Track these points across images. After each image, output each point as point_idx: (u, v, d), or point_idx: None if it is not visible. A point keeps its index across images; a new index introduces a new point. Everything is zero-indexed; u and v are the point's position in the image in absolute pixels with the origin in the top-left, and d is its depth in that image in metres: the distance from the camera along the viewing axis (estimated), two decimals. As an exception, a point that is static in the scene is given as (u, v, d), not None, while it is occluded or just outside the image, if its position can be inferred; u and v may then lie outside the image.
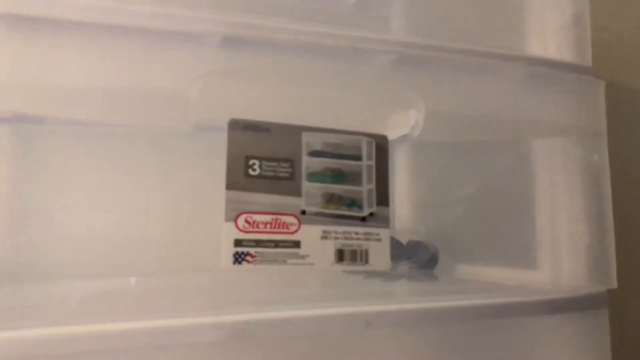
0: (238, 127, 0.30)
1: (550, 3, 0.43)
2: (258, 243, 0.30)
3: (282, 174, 0.31)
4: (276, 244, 0.30)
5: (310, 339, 0.30)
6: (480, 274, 0.48)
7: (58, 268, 0.41)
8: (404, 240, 0.49)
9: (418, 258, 0.50)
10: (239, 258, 0.30)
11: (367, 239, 0.32)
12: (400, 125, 0.33)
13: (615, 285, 0.40)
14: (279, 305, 0.28)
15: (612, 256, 0.40)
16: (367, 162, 0.33)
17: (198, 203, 0.43)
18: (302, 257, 0.31)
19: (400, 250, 0.48)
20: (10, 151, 0.36)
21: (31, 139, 0.41)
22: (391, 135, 0.33)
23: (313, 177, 0.32)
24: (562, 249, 0.41)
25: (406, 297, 0.39)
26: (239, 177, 0.30)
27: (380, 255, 0.32)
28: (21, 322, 0.25)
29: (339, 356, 0.31)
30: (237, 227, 0.30)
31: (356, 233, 0.32)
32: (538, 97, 0.40)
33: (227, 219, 0.30)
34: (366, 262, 0.32)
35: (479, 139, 0.41)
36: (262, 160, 0.31)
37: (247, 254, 0.30)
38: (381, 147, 0.33)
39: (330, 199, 0.32)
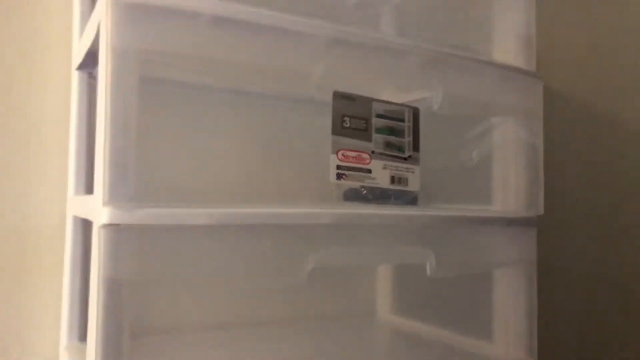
0: (337, 96, 0.49)
1: (510, 18, 0.65)
2: (348, 168, 0.49)
3: (361, 127, 0.50)
4: (357, 169, 0.50)
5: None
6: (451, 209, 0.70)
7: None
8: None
9: (404, 199, 0.72)
10: (338, 176, 0.48)
11: (407, 171, 0.52)
12: (427, 101, 0.54)
13: (542, 212, 0.63)
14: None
15: (541, 193, 0.64)
16: (407, 124, 0.53)
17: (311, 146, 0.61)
18: (372, 179, 0.50)
19: (390, 192, 0.68)
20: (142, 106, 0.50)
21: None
22: (421, 107, 0.54)
23: (378, 130, 0.51)
24: (510, 190, 0.64)
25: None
26: (338, 128, 0.49)
27: (413, 182, 0.53)
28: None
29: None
30: (337, 157, 0.49)
31: (401, 167, 0.52)
32: (500, 89, 0.62)
33: (332, 152, 0.48)
34: (406, 185, 0.52)
35: (465, 114, 0.63)
36: (350, 117, 0.50)
37: (343, 174, 0.49)
38: (415, 114, 0.53)
39: (387, 145, 0.51)
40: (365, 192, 0.56)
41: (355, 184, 0.50)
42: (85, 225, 0.63)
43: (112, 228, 0.40)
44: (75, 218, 0.63)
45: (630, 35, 1.07)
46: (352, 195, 0.59)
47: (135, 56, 0.42)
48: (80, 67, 0.62)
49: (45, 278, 0.65)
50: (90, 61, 0.60)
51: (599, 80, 1.08)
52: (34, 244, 0.64)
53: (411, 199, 0.67)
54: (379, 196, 0.56)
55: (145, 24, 0.42)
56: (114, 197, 0.41)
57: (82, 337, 0.63)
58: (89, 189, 0.63)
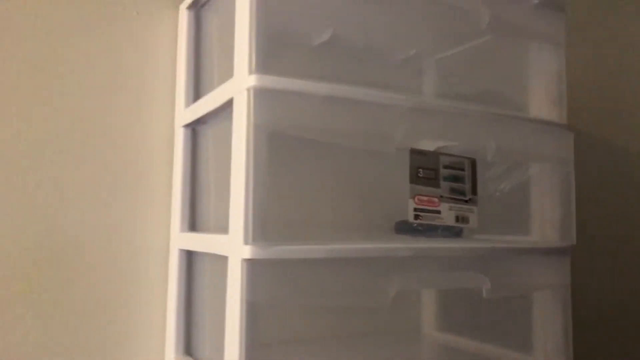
0: (414, 152, 0.61)
1: (544, 74, 0.77)
2: (422, 210, 0.61)
3: (431, 176, 0.62)
4: (429, 211, 0.61)
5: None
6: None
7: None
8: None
9: (450, 231, 0.83)
10: (415, 217, 0.60)
11: (468, 211, 0.64)
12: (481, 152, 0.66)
13: (574, 242, 0.75)
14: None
15: (573, 225, 0.75)
16: (467, 172, 0.65)
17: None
18: (441, 219, 0.62)
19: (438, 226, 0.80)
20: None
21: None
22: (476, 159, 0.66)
23: (445, 179, 0.63)
24: (546, 222, 0.76)
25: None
26: (414, 177, 0.61)
27: (473, 220, 0.64)
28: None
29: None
30: (414, 202, 0.60)
31: (464, 208, 0.63)
32: (538, 141, 0.74)
33: (410, 197, 0.60)
34: (467, 222, 0.64)
35: (511, 161, 0.74)
36: (423, 169, 0.61)
37: (419, 215, 0.60)
38: (473, 164, 0.65)
39: (452, 190, 0.63)
40: (416, 225, 0.67)
41: (431, 223, 0.62)
42: (189, 257, 0.75)
43: (253, 262, 0.52)
44: (181, 250, 0.74)
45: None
46: (403, 228, 0.71)
47: (266, 128, 0.54)
48: (187, 125, 0.75)
49: (152, 299, 0.76)
50: (196, 120, 0.72)
51: (621, 120, 1.21)
52: (143, 272, 0.76)
53: (457, 232, 0.79)
54: (427, 229, 0.68)
55: (276, 104, 0.54)
56: (254, 237, 0.52)
57: (187, 351, 0.74)
58: (192, 227, 0.75)
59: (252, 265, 0.52)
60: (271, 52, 0.57)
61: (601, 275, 1.18)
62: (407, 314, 0.95)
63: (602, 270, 1.18)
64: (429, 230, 0.67)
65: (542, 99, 0.78)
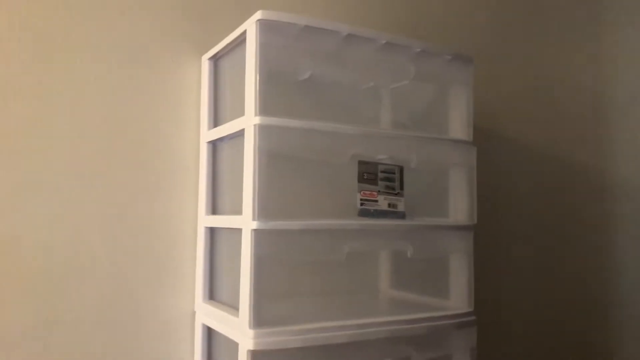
0: (360, 162, 0.95)
1: (458, 107, 1.11)
2: (366, 200, 0.95)
3: (372, 178, 0.96)
4: (371, 201, 0.95)
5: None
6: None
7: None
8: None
9: (397, 215, 1.17)
10: (361, 204, 0.94)
11: (397, 200, 0.98)
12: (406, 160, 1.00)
13: (475, 221, 1.09)
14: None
15: (475, 210, 1.09)
16: (397, 175, 0.99)
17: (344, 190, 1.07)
18: (379, 205, 0.96)
19: (388, 212, 1.14)
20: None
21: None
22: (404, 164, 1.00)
23: (381, 179, 0.97)
24: (458, 208, 1.10)
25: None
26: (361, 179, 0.95)
27: (401, 206, 0.99)
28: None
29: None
30: (360, 195, 0.94)
31: (394, 198, 0.98)
32: (452, 153, 1.08)
33: (358, 192, 0.94)
34: (396, 207, 0.98)
35: (431, 169, 1.08)
36: (367, 173, 0.95)
37: (363, 203, 0.94)
38: (401, 169, 0.99)
39: (386, 187, 0.97)
40: (373, 211, 1.01)
41: (370, 208, 0.96)
42: (212, 232, 1.08)
43: (258, 231, 0.86)
44: (206, 228, 1.08)
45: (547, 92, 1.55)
46: (365, 212, 1.05)
47: (266, 149, 0.87)
48: (209, 142, 1.08)
49: (186, 262, 1.10)
50: (216, 139, 1.05)
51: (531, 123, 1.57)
52: (180, 244, 1.09)
53: (401, 216, 1.12)
54: (381, 214, 1.01)
55: (273, 134, 0.88)
56: (259, 216, 0.86)
57: (211, 296, 1.08)
58: (214, 211, 1.08)
59: (257, 234, 0.86)
60: (268, 91, 0.90)
61: (496, 244, 1.54)
62: (367, 276, 1.30)
63: (497, 240, 1.54)
64: (382, 215, 1.01)
65: (456, 124, 1.12)
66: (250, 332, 0.84)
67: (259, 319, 0.85)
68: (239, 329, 0.87)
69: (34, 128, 0.98)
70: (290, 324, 0.87)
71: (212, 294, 1.08)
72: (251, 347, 0.83)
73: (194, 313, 1.10)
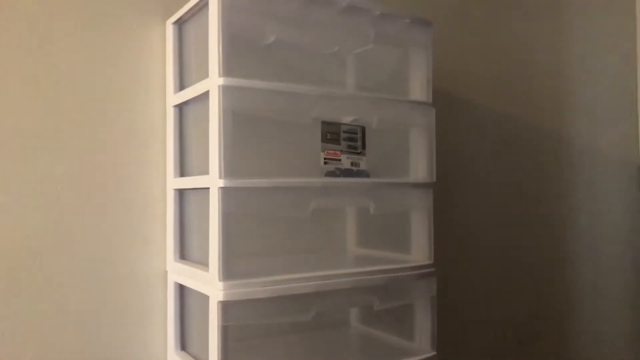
0: (324, 123, 0.99)
1: (418, 70, 1.16)
2: (330, 159, 0.99)
3: (335, 138, 1.00)
4: (334, 160, 0.99)
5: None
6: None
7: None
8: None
9: (361, 174, 1.22)
10: (325, 163, 0.98)
11: (359, 160, 1.02)
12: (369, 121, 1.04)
13: (434, 179, 1.15)
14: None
15: (434, 169, 1.15)
16: (359, 135, 1.03)
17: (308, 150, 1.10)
18: (342, 164, 1.00)
19: (353, 172, 1.19)
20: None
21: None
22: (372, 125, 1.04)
23: (344, 139, 1.01)
24: (418, 167, 1.16)
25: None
26: (324, 139, 0.99)
27: (363, 164, 1.03)
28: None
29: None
30: (324, 154, 0.98)
31: (356, 157, 1.02)
32: (412, 114, 1.13)
33: (321, 151, 0.98)
34: (359, 166, 1.02)
35: (392, 129, 1.13)
36: (330, 133, 0.99)
37: (327, 162, 0.99)
38: (363, 129, 1.03)
39: (349, 146, 1.01)
40: (338, 172, 1.06)
41: (332, 167, 1.00)
42: (181, 194, 1.11)
43: (225, 189, 0.89)
44: (175, 190, 1.11)
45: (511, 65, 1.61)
46: (331, 174, 1.09)
47: (230, 110, 0.90)
48: (176, 106, 1.10)
49: (156, 222, 1.13)
50: (182, 102, 1.07)
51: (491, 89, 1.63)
52: (150, 205, 1.12)
53: (365, 175, 1.17)
54: (346, 174, 1.06)
55: (236, 95, 0.90)
56: (225, 175, 0.89)
57: (182, 256, 1.11)
58: (182, 173, 1.11)
59: (225, 192, 0.90)
60: (233, 54, 0.92)
61: (455, 201, 1.62)
62: (334, 235, 1.35)
63: (455, 198, 1.62)
64: (348, 175, 1.05)
65: (416, 86, 1.16)
66: (220, 285, 0.88)
67: (228, 272, 0.90)
68: (210, 283, 0.91)
69: (-3, 93, 0.98)
70: (259, 277, 0.92)
71: (182, 254, 1.12)
72: (221, 298, 0.88)
73: (166, 272, 1.13)
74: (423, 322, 1.15)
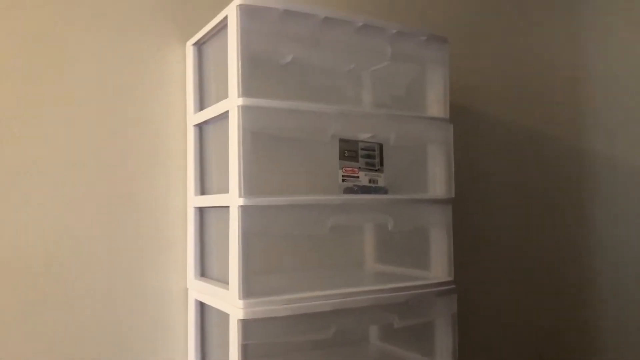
0: (341, 140, 0.99)
1: (435, 86, 1.16)
2: (348, 176, 0.99)
3: (353, 155, 1.00)
4: (352, 177, 1.00)
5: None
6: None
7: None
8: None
9: (379, 191, 1.22)
10: (343, 180, 0.99)
11: (377, 176, 1.03)
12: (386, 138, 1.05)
13: (453, 195, 1.14)
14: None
15: (452, 184, 1.14)
16: (377, 152, 1.03)
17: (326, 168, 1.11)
18: (360, 181, 1.00)
19: (371, 189, 1.19)
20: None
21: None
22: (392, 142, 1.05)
23: (362, 156, 1.01)
24: (436, 183, 1.15)
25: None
26: (342, 156, 0.99)
27: (381, 181, 1.03)
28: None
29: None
30: (342, 171, 0.99)
31: (374, 174, 1.02)
32: (429, 130, 1.13)
33: (339, 168, 0.99)
34: (377, 183, 1.03)
35: (410, 145, 1.13)
36: (348, 151, 1.00)
37: (345, 179, 0.99)
38: (381, 146, 1.04)
39: (367, 163, 1.02)
40: (356, 189, 1.06)
41: (350, 184, 1.01)
42: (201, 211, 1.13)
43: (245, 207, 0.90)
44: (196, 207, 1.12)
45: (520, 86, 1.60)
46: (349, 190, 1.09)
47: (250, 129, 0.91)
48: (196, 125, 1.12)
49: (177, 239, 1.14)
50: (202, 122, 1.09)
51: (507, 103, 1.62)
52: (171, 223, 1.14)
53: (384, 191, 1.17)
54: (365, 190, 1.06)
55: (256, 115, 0.92)
56: (245, 195, 0.90)
57: (202, 273, 1.12)
58: (202, 192, 1.13)
59: (245, 210, 0.91)
60: (251, 75, 0.94)
61: (473, 217, 1.60)
62: (353, 252, 1.35)
63: (473, 214, 1.60)
64: (365, 192, 1.06)
65: (433, 102, 1.17)
66: (240, 303, 0.89)
67: (248, 290, 0.90)
68: (230, 301, 0.92)
69: (20, 113, 1.01)
70: (278, 295, 0.92)
71: (203, 271, 1.13)
72: (241, 317, 0.88)
73: (186, 290, 1.14)
74: (443, 339, 1.14)
